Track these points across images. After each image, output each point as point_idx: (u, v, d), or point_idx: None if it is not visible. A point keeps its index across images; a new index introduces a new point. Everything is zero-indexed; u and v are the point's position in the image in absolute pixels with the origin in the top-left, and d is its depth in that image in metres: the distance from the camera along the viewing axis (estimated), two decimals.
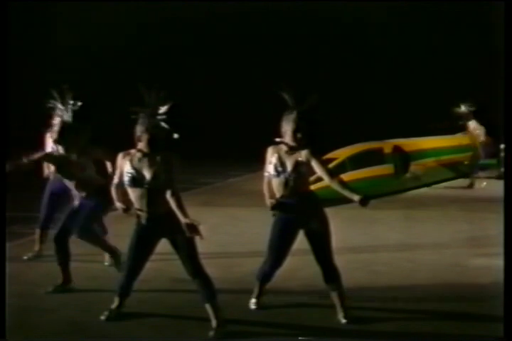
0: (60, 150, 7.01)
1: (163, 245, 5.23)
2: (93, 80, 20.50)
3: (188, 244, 5.00)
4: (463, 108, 13.43)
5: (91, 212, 6.17)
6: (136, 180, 4.98)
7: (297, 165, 5.23)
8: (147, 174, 4.97)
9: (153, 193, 4.97)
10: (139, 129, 4.97)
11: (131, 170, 4.99)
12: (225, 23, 22.73)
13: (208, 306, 5.08)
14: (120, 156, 5.11)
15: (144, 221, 5.08)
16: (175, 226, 4.89)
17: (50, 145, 7.09)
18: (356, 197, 5.07)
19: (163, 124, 4.96)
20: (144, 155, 5.00)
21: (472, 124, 13.63)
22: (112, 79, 20.87)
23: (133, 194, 5.05)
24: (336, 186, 5.21)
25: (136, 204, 5.06)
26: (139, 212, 5.08)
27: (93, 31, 21.65)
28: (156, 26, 22.86)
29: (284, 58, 22.43)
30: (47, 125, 7.09)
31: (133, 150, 5.06)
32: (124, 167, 5.04)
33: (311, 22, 22.61)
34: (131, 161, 5.02)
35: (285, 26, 22.78)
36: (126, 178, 5.02)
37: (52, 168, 7.09)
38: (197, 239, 4.92)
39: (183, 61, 22.76)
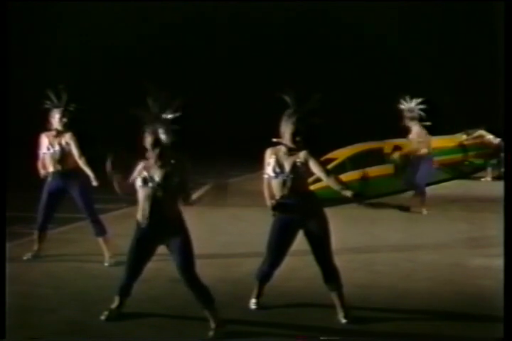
0: (57, 150, 7.01)
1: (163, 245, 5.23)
2: (94, 80, 20.49)
3: (185, 256, 5.02)
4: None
5: None
6: (147, 182, 5.03)
7: (295, 166, 5.24)
8: (158, 176, 5.01)
9: (159, 196, 5.00)
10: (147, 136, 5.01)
11: (145, 173, 5.05)
12: (225, 24, 22.71)
13: (206, 311, 5.10)
14: (139, 164, 5.15)
15: (143, 225, 5.08)
16: (173, 236, 4.97)
17: (45, 146, 7.08)
18: (350, 193, 5.12)
19: (170, 128, 4.99)
20: (158, 160, 5.03)
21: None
22: (114, 79, 20.84)
23: (141, 194, 5.08)
24: (331, 182, 5.24)
25: (141, 204, 5.08)
26: (139, 213, 5.08)
27: (93, 31, 21.62)
28: (157, 26, 22.85)
29: (285, 58, 22.41)
30: (44, 125, 7.08)
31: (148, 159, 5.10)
32: (139, 171, 5.09)
33: (311, 22, 22.61)
34: (145, 167, 5.07)
35: (286, 27, 22.77)
36: (138, 179, 5.07)
37: (49, 168, 7.07)
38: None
39: (184, 61, 22.74)
